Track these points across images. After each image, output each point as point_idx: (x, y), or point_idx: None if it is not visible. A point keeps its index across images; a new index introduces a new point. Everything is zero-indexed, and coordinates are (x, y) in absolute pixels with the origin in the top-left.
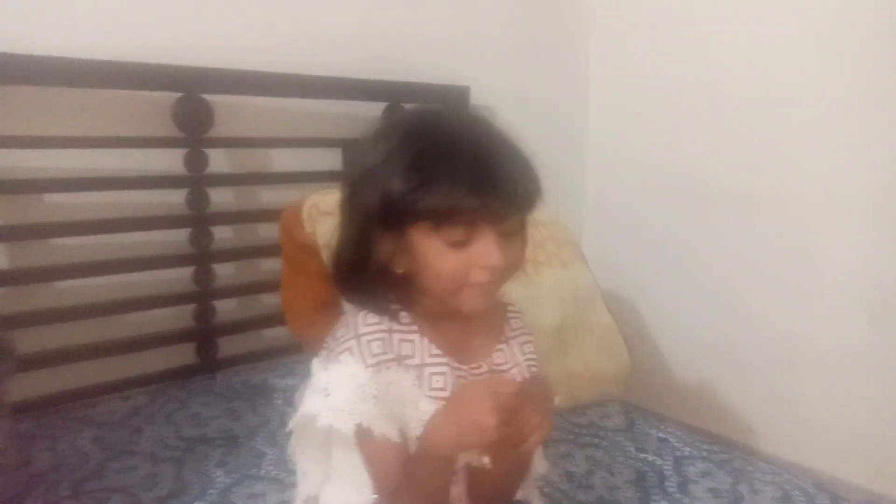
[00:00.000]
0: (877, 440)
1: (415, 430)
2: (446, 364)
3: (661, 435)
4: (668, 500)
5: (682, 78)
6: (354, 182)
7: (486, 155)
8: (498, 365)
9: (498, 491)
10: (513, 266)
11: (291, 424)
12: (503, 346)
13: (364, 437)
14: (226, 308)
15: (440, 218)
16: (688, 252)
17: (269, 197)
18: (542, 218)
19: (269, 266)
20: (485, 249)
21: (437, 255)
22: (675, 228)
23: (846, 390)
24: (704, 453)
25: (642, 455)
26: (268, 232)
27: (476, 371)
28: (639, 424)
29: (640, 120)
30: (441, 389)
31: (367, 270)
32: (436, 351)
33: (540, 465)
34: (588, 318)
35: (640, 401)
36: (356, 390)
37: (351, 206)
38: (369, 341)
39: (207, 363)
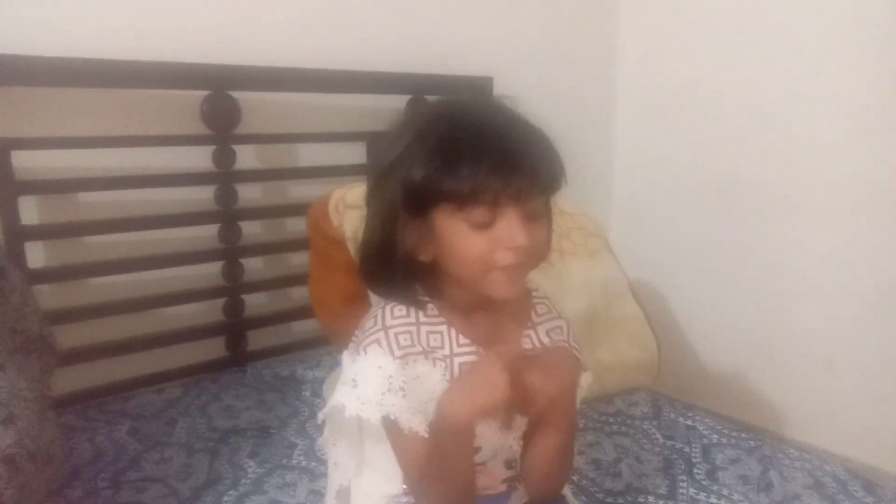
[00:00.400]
0: None
1: None
2: (475, 353)
3: (688, 423)
4: (696, 487)
5: (710, 73)
6: (379, 173)
7: (508, 136)
8: None
9: (546, 482)
10: (538, 251)
11: (321, 415)
12: (530, 332)
13: (392, 429)
14: (255, 302)
15: (463, 198)
16: (715, 246)
17: (296, 192)
18: (566, 208)
19: (298, 260)
20: (509, 230)
21: (461, 237)
22: (703, 222)
23: (881, 383)
24: (733, 440)
25: (670, 443)
26: (296, 226)
27: None
28: (666, 412)
29: (669, 114)
30: None
31: (393, 260)
32: (464, 341)
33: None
34: (616, 308)
35: (669, 391)
36: (384, 382)
37: (376, 196)
38: (396, 334)
39: (238, 356)
